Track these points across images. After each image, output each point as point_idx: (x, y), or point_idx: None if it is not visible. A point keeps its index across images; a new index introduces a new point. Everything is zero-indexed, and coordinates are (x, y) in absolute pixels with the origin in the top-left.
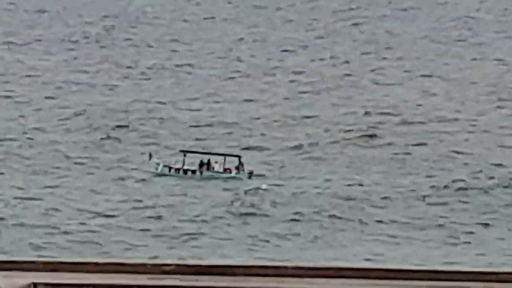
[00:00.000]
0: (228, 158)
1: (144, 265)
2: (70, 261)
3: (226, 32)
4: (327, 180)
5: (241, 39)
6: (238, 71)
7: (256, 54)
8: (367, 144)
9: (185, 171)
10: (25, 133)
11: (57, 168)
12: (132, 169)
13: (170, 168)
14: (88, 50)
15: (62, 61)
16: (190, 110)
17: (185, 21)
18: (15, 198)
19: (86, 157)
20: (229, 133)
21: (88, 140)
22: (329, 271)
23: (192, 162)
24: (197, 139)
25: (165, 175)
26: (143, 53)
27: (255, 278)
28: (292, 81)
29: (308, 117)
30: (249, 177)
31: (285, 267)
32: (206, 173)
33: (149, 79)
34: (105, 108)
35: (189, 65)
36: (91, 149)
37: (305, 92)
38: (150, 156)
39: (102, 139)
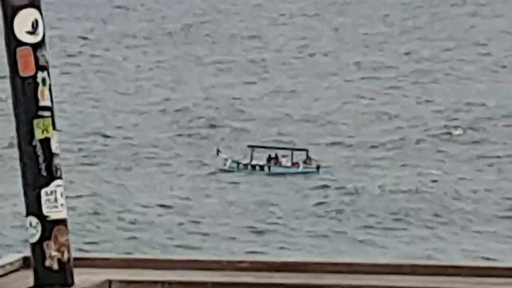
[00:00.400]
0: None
1: (218, 261)
2: (145, 257)
3: (303, 27)
4: (410, 176)
5: (319, 35)
6: (317, 67)
7: (334, 50)
8: (449, 141)
9: (253, 166)
10: (103, 129)
11: (137, 164)
12: (205, 164)
13: (238, 164)
14: (165, 46)
15: (140, 56)
16: (270, 105)
17: (262, 17)
18: (95, 194)
19: (165, 153)
20: (309, 129)
21: (166, 137)
22: (405, 268)
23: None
24: (274, 134)
25: (233, 170)
26: (219, 49)
27: (330, 275)
28: (371, 78)
29: (387, 113)
30: (317, 171)
31: (360, 264)
32: (274, 168)
33: (227, 74)
34: (182, 105)
35: (265, 60)
36: (169, 145)
37: (385, 88)
38: (218, 151)
39: (178, 135)
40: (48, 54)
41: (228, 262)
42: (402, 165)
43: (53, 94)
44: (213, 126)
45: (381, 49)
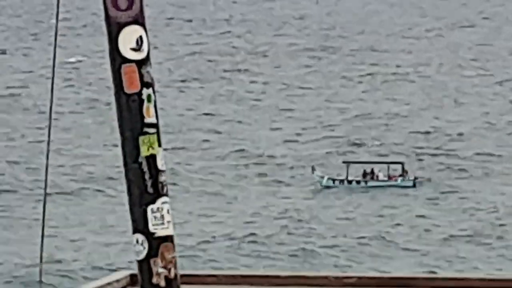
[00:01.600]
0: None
1: (325, 277)
2: (252, 273)
3: (431, 40)
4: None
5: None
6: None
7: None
8: None
9: (350, 182)
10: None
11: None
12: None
13: (334, 180)
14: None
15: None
16: (405, 121)
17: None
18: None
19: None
20: (455, 145)
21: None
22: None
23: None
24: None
25: (329, 187)
26: (350, 61)
27: None
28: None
29: None
30: (413, 185)
31: (469, 279)
32: (371, 183)
33: (354, 89)
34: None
35: (404, 74)
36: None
37: None
38: (313, 169)
39: (327, 152)
40: (152, 71)
41: (336, 277)
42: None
43: None
44: (354, 144)
45: None
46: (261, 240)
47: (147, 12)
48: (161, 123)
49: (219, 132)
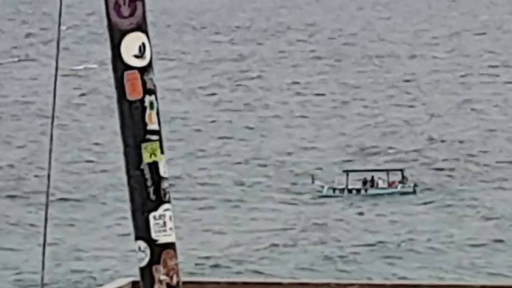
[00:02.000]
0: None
1: (327, 284)
2: (254, 281)
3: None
4: None
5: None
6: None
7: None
8: None
9: (350, 190)
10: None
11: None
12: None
13: (334, 189)
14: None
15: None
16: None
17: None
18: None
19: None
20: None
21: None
22: None
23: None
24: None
25: (330, 196)
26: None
27: None
28: None
29: None
30: (414, 191)
31: (470, 286)
32: (371, 191)
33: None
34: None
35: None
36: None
37: None
38: (313, 179)
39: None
40: (155, 78)
41: (337, 284)
42: None
43: None
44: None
45: None
46: (279, 249)
47: (151, 18)
48: (170, 129)
49: (230, 139)
